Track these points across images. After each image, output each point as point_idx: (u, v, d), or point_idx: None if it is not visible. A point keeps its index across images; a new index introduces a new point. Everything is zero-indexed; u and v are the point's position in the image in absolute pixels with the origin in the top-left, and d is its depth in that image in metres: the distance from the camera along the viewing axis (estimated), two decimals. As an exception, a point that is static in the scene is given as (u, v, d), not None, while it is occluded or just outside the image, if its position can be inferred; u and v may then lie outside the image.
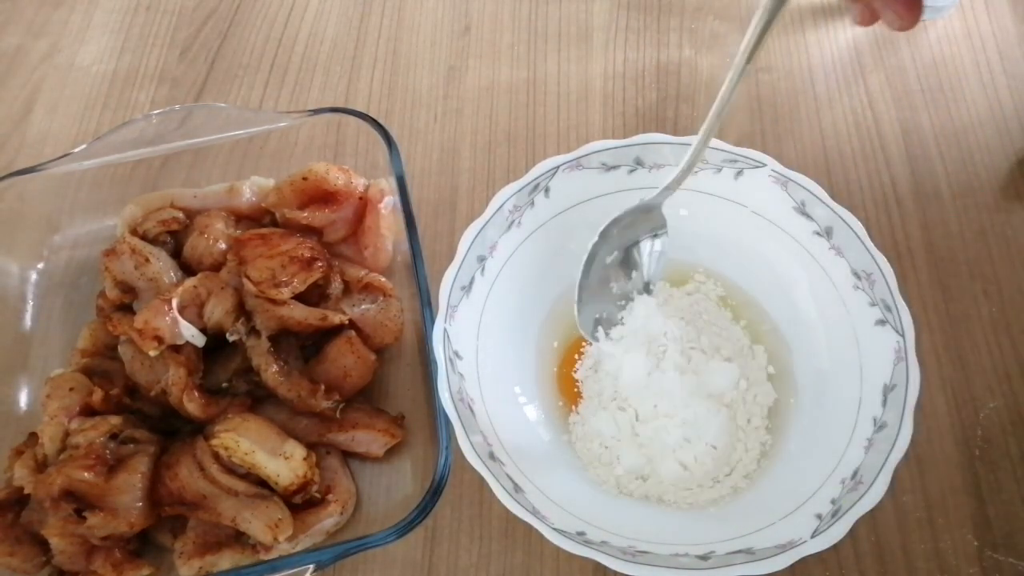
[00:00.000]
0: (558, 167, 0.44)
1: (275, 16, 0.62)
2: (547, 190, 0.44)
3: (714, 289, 0.46)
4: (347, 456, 0.43)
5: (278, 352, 0.42)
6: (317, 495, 0.40)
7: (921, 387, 0.37)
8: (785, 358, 0.44)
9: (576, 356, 0.44)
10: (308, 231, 0.46)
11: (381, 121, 0.47)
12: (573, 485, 0.40)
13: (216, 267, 0.44)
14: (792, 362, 0.43)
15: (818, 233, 0.42)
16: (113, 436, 0.40)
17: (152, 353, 0.40)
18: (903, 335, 0.38)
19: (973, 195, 0.50)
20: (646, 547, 0.36)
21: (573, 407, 0.43)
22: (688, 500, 0.40)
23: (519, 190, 0.43)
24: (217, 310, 0.42)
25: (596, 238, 0.41)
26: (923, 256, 0.48)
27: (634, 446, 0.41)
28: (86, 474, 0.38)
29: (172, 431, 0.42)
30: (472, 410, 0.39)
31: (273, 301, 0.42)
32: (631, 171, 0.45)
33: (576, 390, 0.44)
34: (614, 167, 0.45)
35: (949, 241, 0.49)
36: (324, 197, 0.47)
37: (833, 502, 0.36)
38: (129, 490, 0.38)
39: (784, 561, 0.34)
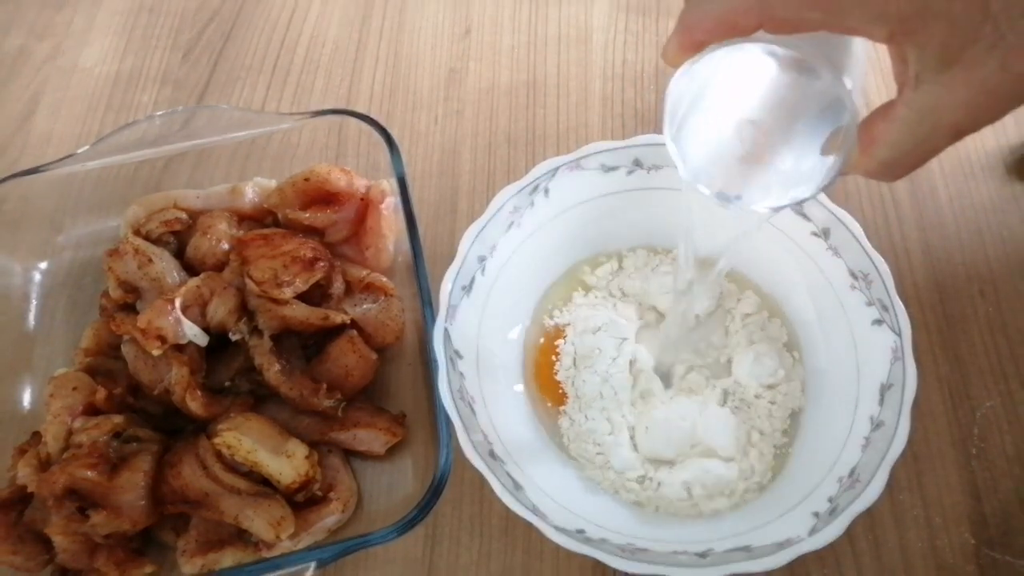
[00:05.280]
0: (558, 168, 0.44)
1: (277, 18, 0.62)
2: (547, 191, 0.44)
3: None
4: (349, 455, 0.43)
5: (280, 351, 0.42)
6: (319, 493, 0.40)
7: (918, 386, 0.37)
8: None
9: (554, 357, 0.44)
10: (310, 231, 0.47)
11: (382, 123, 0.47)
12: (572, 483, 0.40)
13: (219, 267, 0.45)
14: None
15: (815, 234, 0.42)
16: (116, 435, 0.40)
17: (155, 353, 0.40)
18: (900, 335, 0.39)
19: (970, 196, 0.50)
20: (645, 544, 0.36)
21: (560, 408, 0.43)
22: (691, 513, 0.39)
23: (519, 191, 0.44)
24: (220, 310, 0.42)
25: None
26: (920, 257, 0.48)
27: (628, 444, 0.41)
28: (89, 473, 0.38)
29: (175, 430, 0.42)
30: (472, 409, 0.39)
31: (275, 301, 0.42)
32: (630, 172, 0.45)
33: (560, 391, 0.43)
34: (613, 168, 0.45)
35: (946, 242, 0.49)
36: (326, 198, 0.47)
37: (830, 500, 0.36)
38: (132, 488, 0.39)
39: (782, 559, 0.34)
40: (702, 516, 0.39)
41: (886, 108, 0.26)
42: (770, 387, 0.42)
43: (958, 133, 0.24)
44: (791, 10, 0.24)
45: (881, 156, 0.26)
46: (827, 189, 0.27)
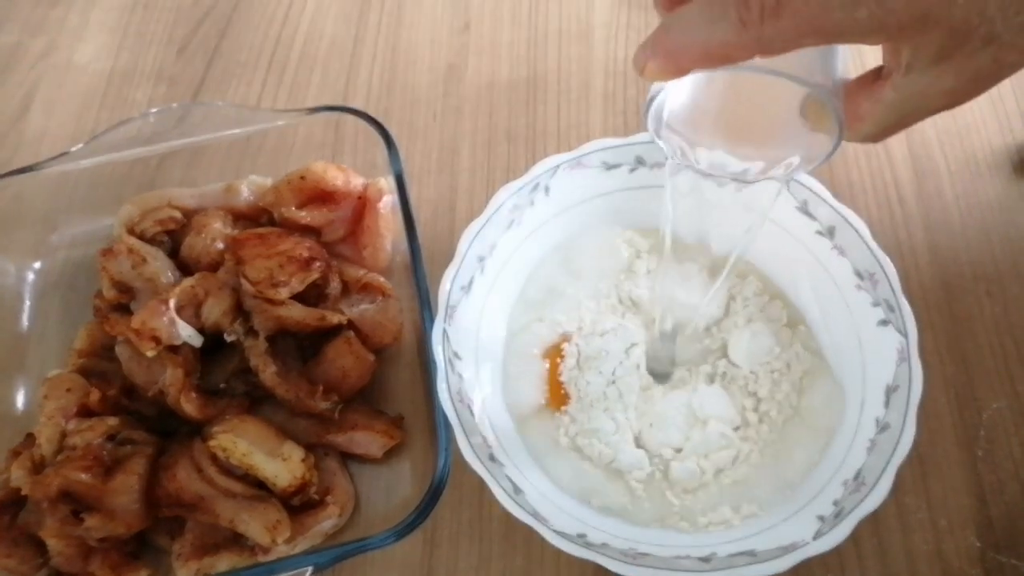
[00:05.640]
0: (558, 166, 0.44)
1: (273, 14, 0.61)
2: (547, 189, 0.44)
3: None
4: (346, 457, 0.43)
5: (276, 353, 0.42)
6: (315, 497, 0.40)
7: (924, 388, 0.37)
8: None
9: (559, 359, 0.43)
10: (306, 231, 0.46)
11: (380, 120, 0.46)
12: (573, 487, 0.40)
13: (214, 267, 0.44)
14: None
15: (820, 233, 0.42)
16: (110, 437, 0.40)
17: (149, 354, 0.40)
18: (906, 335, 0.38)
19: (976, 195, 0.50)
20: (647, 549, 0.36)
21: (563, 408, 0.42)
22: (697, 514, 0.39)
23: (519, 189, 0.43)
24: (215, 310, 0.42)
25: None
26: (926, 256, 0.48)
27: (633, 442, 0.40)
28: (83, 475, 0.38)
29: (170, 432, 0.42)
30: (472, 411, 0.39)
31: (271, 301, 0.41)
32: (632, 170, 0.44)
33: (563, 392, 0.42)
34: (615, 166, 0.44)
35: (952, 241, 0.48)
36: (322, 196, 0.46)
37: (835, 503, 0.36)
38: (127, 491, 0.38)
39: (786, 563, 0.34)
40: (715, 489, 0.39)
41: (871, 85, 0.27)
42: (767, 364, 0.42)
43: (940, 111, 0.26)
44: (790, 43, 0.23)
45: (866, 131, 0.28)
46: (816, 169, 0.28)
